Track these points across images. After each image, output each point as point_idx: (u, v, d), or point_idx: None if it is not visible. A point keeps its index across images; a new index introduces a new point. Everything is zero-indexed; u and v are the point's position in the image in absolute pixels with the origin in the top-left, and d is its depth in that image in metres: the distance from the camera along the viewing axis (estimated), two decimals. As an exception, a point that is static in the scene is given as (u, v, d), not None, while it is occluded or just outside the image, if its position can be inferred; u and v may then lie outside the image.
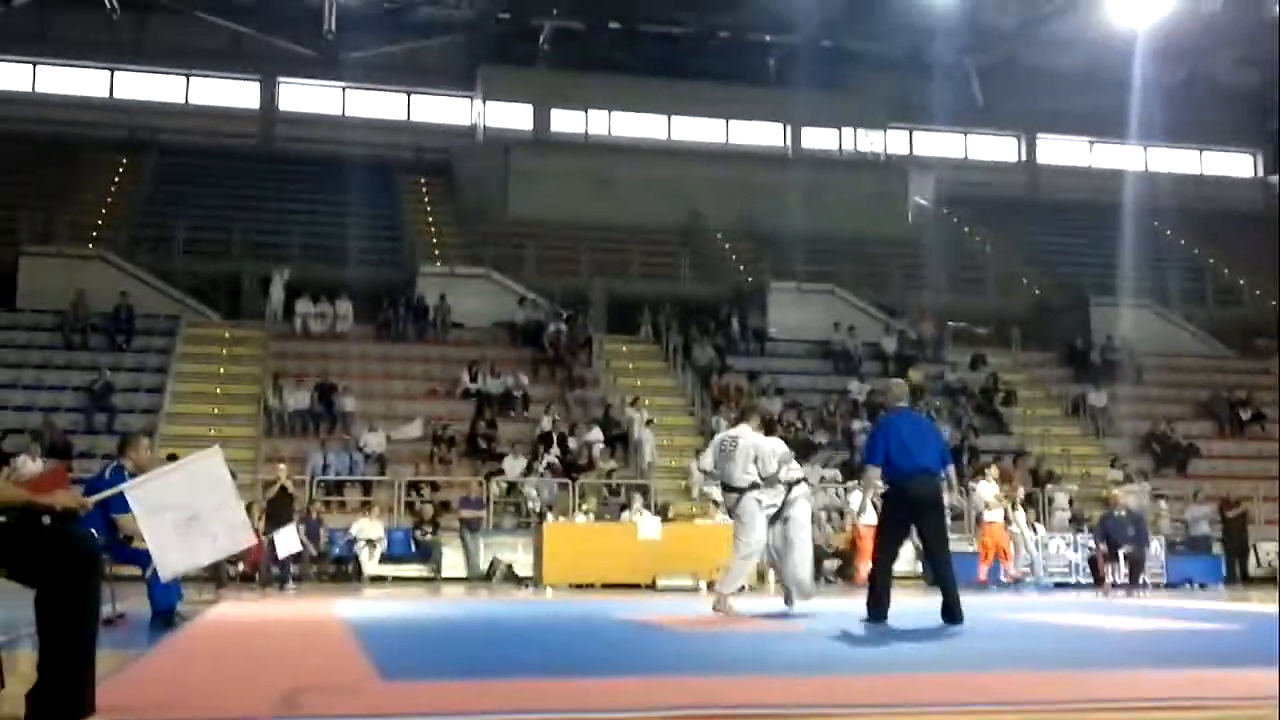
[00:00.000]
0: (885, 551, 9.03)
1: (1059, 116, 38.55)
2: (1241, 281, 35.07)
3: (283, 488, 16.87)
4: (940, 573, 8.82)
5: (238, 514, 4.71)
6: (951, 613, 8.54)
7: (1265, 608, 12.51)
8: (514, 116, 36.26)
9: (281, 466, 17.72)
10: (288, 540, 16.23)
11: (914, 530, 9.40)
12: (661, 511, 19.91)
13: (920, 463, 8.80)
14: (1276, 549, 21.97)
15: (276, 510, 16.66)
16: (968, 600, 8.99)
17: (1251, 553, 21.56)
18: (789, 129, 38.08)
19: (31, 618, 3.63)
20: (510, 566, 19.48)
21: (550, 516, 19.37)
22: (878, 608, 8.77)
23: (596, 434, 23.04)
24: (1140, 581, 16.91)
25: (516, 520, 21.11)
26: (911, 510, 8.93)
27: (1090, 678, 5.49)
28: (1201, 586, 19.45)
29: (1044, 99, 37.11)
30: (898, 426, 9.06)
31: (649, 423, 23.70)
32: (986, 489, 18.00)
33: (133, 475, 7.55)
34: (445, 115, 36.92)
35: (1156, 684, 5.12)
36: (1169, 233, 36.37)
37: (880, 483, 9.21)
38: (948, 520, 10.04)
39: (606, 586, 16.90)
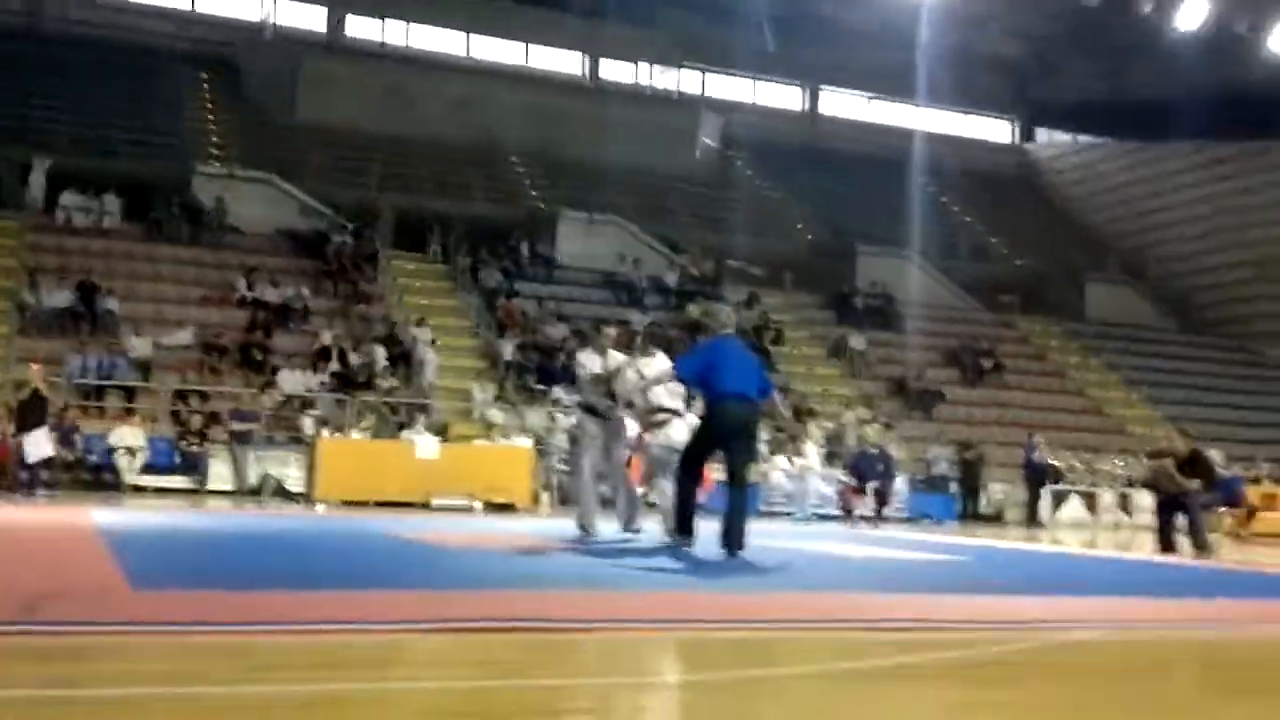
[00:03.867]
0: (688, 471, 8.84)
1: (843, 70, 39.82)
2: (993, 240, 37.36)
3: (35, 390, 15.97)
4: (733, 501, 8.53)
5: None
6: (731, 542, 8.34)
7: (991, 542, 13.58)
8: (307, 17, 34.85)
9: (35, 367, 16.78)
10: (38, 444, 15.48)
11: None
12: (440, 432, 19.86)
13: (738, 388, 8.62)
14: (1004, 489, 23.78)
15: (28, 413, 15.80)
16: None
17: (983, 492, 23.25)
18: (588, 59, 37.99)
19: None
20: (281, 482, 19.08)
21: (326, 432, 19.05)
22: (684, 527, 8.68)
23: (380, 351, 22.71)
24: (884, 514, 18.00)
25: (290, 435, 20.65)
26: (722, 434, 8.69)
27: (835, 599, 5.89)
28: (937, 521, 20.86)
29: (830, 52, 38.22)
30: (721, 350, 8.94)
31: (433, 342, 23.51)
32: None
33: None
34: (233, 9, 35.10)
35: (889, 606, 5.54)
36: (932, 189, 38.22)
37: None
38: (759, 450, 10.20)
39: (381, 505, 16.82)
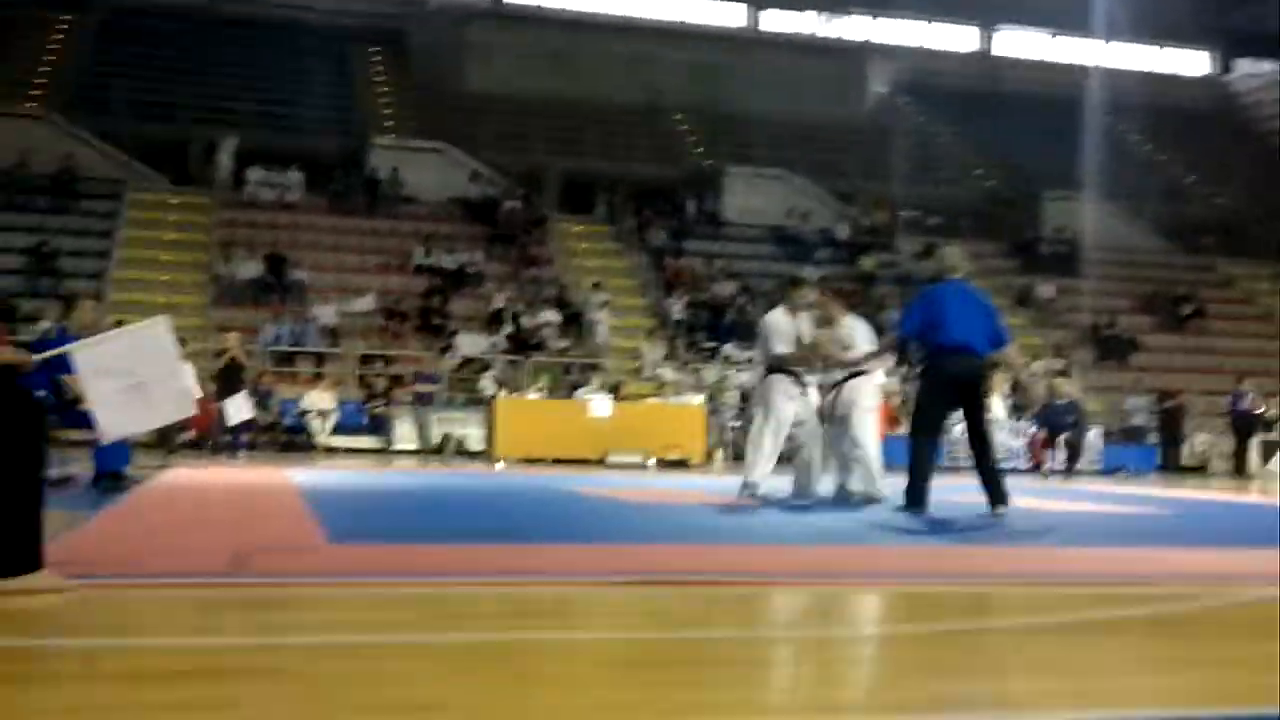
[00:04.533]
0: (921, 434, 8.10)
1: (1019, 7, 38.18)
2: (1191, 180, 35.31)
3: (233, 357, 16.73)
4: (979, 463, 7.89)
5: (184, 383, 4.69)
6: (995, 498, 7.71)
7: (1195, 494, 12.93)
8: (471, -14, 35.36)
9: (231, 335, 17.59)
10: (238, 408, 16.19)
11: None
12: (613, 390, 20.07)
13: (959, 339, 7.84)
14: (1208, 440, 22.62)
15: (226, 379, 16.56)
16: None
17: (1185, 443, 22.20)
18: (750, 9, 37.47)
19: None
20: (462, 441, 19.62)
21: (503, 393, 19.46)
22: (916, 497, 7.87)
23: (552, 314, 23.04)
24: (1077, 467, 17.36)
25: (469, 396, 21.19)
26: (948, 391, 7.99)
27: (1031, 553, 5.68)
28: (1136, 473, 20.03)
29: (1005, -12, 36.76)
30: (942, 298, 8.05)
31: (604, 304, 23.72)
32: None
33: (77, 337, 7.49)
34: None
35: (1085, 559, 5.31)
36: (1122, 128, 36.41)
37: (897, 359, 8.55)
38: (994, 403, 9.02)
39: (557, 462, 17.11)
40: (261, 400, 18.54)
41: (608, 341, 23.28)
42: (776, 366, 9.04)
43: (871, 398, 9.24)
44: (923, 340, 8.15)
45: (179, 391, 4.56)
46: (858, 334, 9.29)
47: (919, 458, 8.01)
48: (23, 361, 3.87)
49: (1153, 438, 22.31)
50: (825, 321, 9.32)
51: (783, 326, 9.07)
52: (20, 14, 31.01)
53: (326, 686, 2.58)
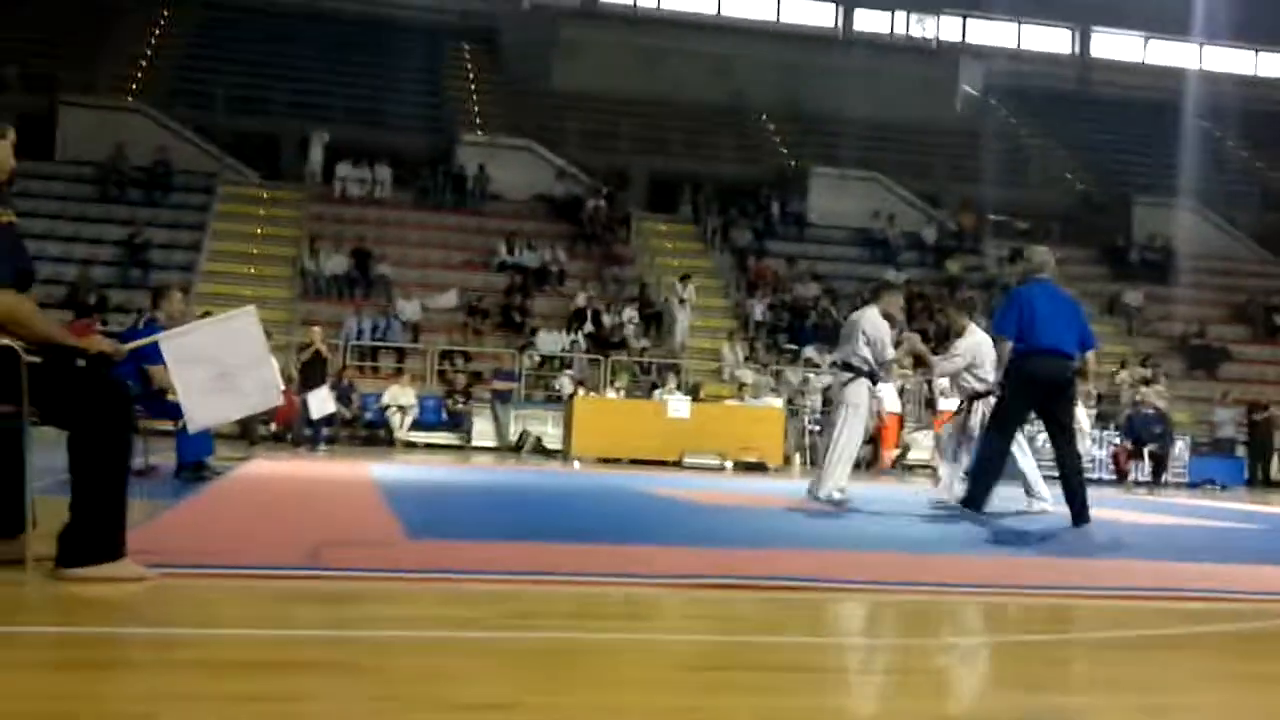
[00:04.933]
0: (998, 437, 7.95)
1: (1115, 10, 37.38)
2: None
3: (317, 350, 17.00)
4: (1067, 468, 7.76)
5: (269, 373, 4.70)
6: (1077, 513, 7.59)
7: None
8: (561, -14, 35.55)
9: (316, 329, 17.88)
10: (321, 402, 16.40)
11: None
12: (692, 391, 20.03)
13: (1048, 342, 7.72)
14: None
15: (310, 372, 16.81)
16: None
17: (1276, 456, 21.58)
18: (841, 9, 37.17)
19: (65, 464, 3.69)
20: (539, 438, 19.72)
21: (581, 391, 19.53)
22: (977, 499, 7.85)
23: (632, 312, 23.07)
24: (1163, 479, 16.95)
25: (547, 393, 21.30)
26: (1034, 393, 7.86)
27: (1111, 566, 5.54)
28: (1223, 487, 19.51)
29: (1102, -9, 36.01)
30: (1031, 299, 7.91)
31: (681, 302, 23.65)
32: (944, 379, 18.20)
33: (165, 328, 7.63)
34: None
35: (1172, 573, 5.16)
36: (1218, 134, 35.47)
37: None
38: (1078, 411, 8.89)
39: (634, 462, 17.11)
40: (343, 394, 18.80)
41: (687, 341, 23.24)
42: (865, 370, 8.85)
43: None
44: (1016, 342, 7.92)
45: (266, 382, 4.55)
46: (984, 348, 8.98)
47: (990, 457, 7.90)
48: (114, 351, 3.94)
49: (1241, 451, 21.72)
50: (956, 332, 9.29)
51: (883, 330, 8.88)
52: (119, 6, 31.85)
53: (399, 682, 2.58)
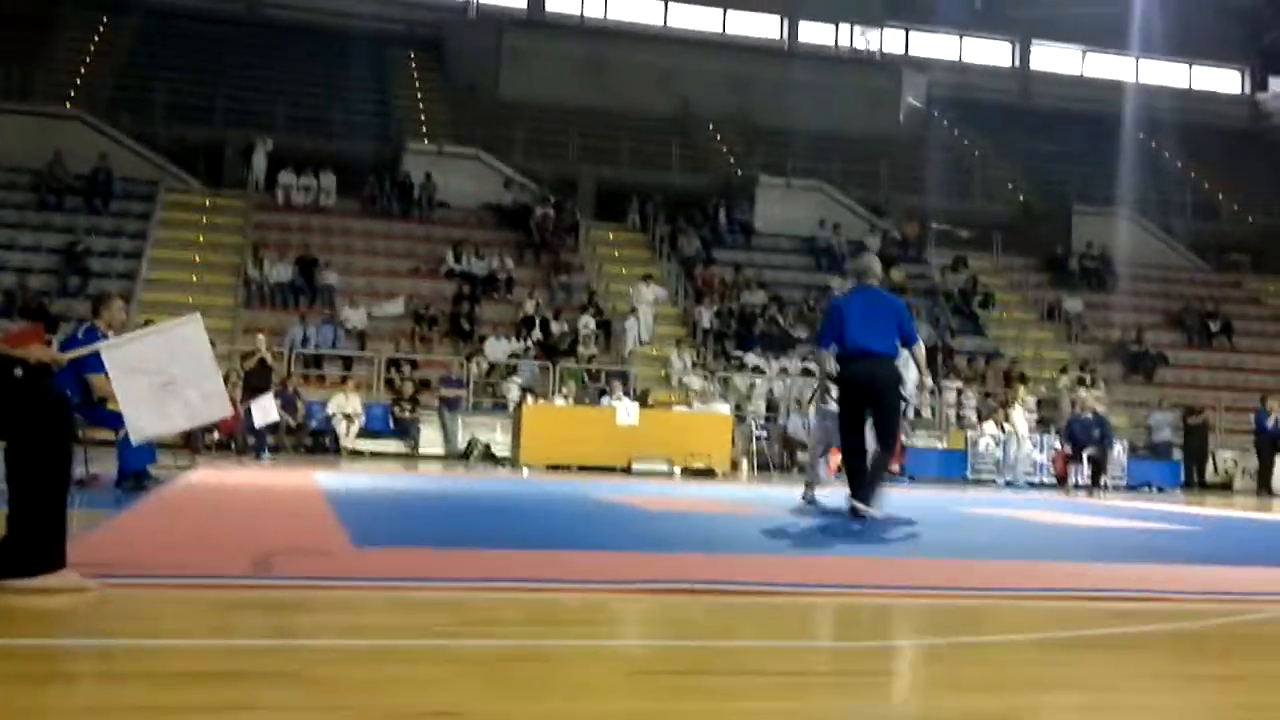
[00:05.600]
0: (846, 438, 8.46)
1: (1054, 23, 38.08)
2: (1221, 196, 35.11)
3: (261, 359, 16.84)
4: (873, 459, 8.24)
5: (215, 383, 4.56)
6: (857, 493, 8.10)
7: (1220, 511, 12.80)
8: (507, -6, 35.54)
9: (260, 337, 17.71)
10: (265, 410, 16.23)
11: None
12: (641, 398, 20.07)
13: (863, 344, 8.20)
14: (1233, 457, 22.47)
15: (254, 381, 16.67)
16: (944, 495, 9.00)
17: (1210, 460, 22.04)
18: (786, 21, 37.47)
19: (2, 474, 3.63)
20: (488, 446, 19.67)
21: (530, 399, 19.50)
22: (863, 497, 8.19)
23: (586, 320, 23.07)
24: (1101, 483, 17.22)
25: (495, 401, 21.23)
26: (851, 395, 8.36)
27: (1049, 568, 5.62)
28: (1160, 490, 19.87)
29: (1041, 5, 36.61)
30: (849, 306, 8.46)
31: (633, 311, 23.69)
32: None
33: (105, 337, 7.52)
34: (437, -10, 36.16)
35: (1109, 575, 5.25)
36: (1154, 145, 36.20)
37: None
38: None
39: (583, 469, 17.10)
40: (288, 402, 18.63)
41: (635, 349, 23.28)
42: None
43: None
44: (839, 348, 8.46)
45: (212, 391, 4.41)
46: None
47: (847, 460, 8.45)
48: (54, 360, 3.89)
49: (1178, 454, 22.17)
50: None
51: None
52: (58, 13, 31.38)
53: (346, 691, 2.57)
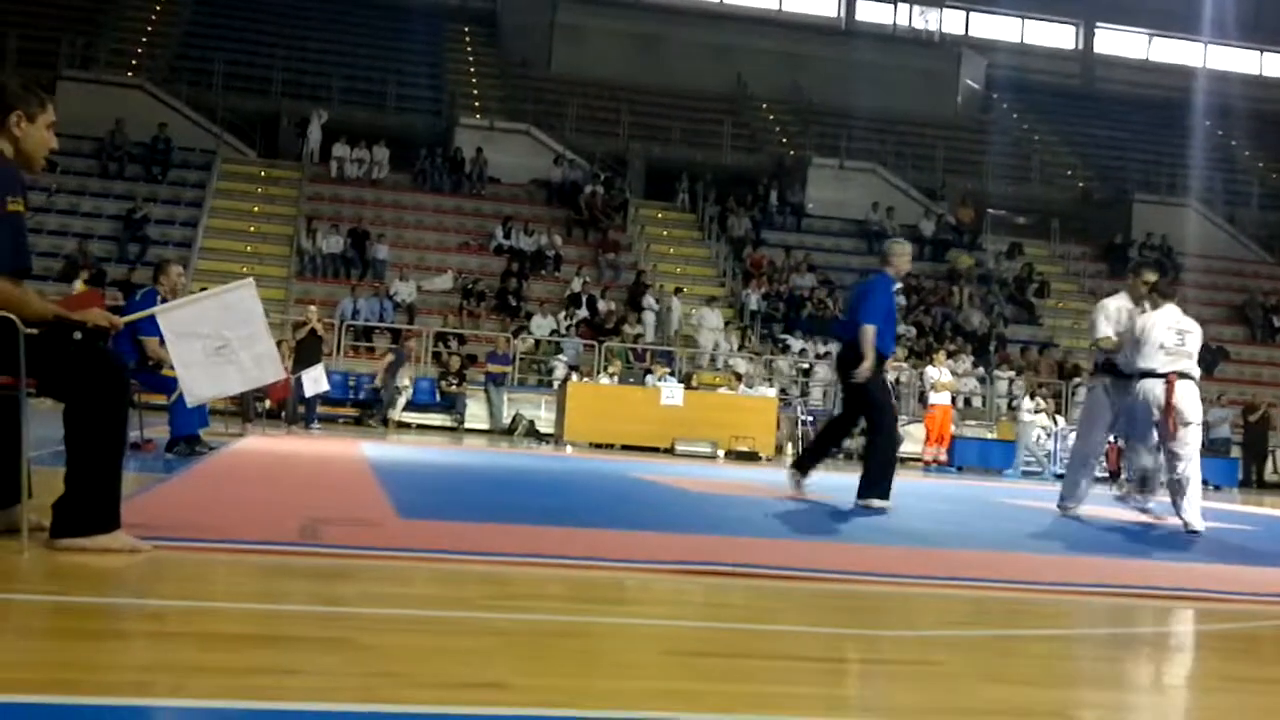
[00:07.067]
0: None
1: (1120, 6, 37.37)
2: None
3: (312, 329, 16.99)
4: (865, 447, 8.65)
5: (268, 347, 4.61)
6: (799, 462, 8.76)
7: (1278, 511, 12.58)
8: (561, -31, 35.40)
9: (312, 308, 17.86)
10: (315, 380, 16.40)
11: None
12: (685, 379, 20.05)
13: (837, 329, 8.68)
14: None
15: (305, 351, 16.81)
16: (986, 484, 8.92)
17: (1270, 458, 21.63)
18: (843, 1, 37.10)
19: (61, 435, 3.70)
20: (532, 422, 19.75)
21: (575, 376, 19.55)
22: (882, 490, 8.13)
23: (650, 300, 23.02)
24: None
25: (540, 378, 21.31)
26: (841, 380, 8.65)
27: (1102, 564, 5.56)
28: (1216, 488, 19.54)
29: (1106, -12, 35.98)
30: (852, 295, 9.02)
31: (677, 291, 23.66)
32: (934, 372, 18.40)
33: (164, 301, 7.62)
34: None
35: (1160, 572, 5.18)
36: (1220, 133, 35.51)
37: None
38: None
39: (626, 448, 17.12)
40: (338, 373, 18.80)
41: (681, 329, 23.25)
42: (1104, 364, 9.01)
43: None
44: None
45: (266, 355, 4.46)
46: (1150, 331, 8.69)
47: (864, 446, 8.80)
48: (111, 323, 3.94)
49: (1236, 452, 21.77)
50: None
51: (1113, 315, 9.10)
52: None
53: (393, 659, 2.60)
